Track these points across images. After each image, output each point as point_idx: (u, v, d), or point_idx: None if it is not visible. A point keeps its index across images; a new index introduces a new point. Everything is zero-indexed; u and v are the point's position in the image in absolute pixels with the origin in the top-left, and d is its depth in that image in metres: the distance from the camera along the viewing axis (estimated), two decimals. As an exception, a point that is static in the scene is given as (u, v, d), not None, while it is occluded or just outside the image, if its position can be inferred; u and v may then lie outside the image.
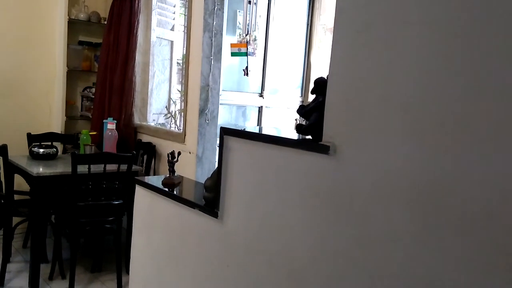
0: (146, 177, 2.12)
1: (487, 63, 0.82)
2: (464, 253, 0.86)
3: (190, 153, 3.12)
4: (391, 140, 0.96)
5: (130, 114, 3.68)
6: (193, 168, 3.07)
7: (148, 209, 1.80)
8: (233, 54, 3.39)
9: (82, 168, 2.75)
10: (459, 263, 0.86)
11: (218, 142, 2.99)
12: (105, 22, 3.83)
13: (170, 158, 1.86)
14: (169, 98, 4.07)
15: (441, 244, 0.88)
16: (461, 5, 0.85)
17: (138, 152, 3.47)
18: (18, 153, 3.24)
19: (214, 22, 3.09)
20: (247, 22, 3.45)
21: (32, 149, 3.16)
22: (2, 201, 3.01)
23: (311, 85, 1.24)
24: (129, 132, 3.68)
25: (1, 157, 2.95)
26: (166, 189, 1.72)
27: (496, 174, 0.81)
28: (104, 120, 3.46)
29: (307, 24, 4.13)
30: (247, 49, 3.35)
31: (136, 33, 3.61)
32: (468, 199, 0.84)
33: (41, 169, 2.85)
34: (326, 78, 1.12)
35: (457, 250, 0.87)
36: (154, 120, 3.93)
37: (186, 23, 3.39)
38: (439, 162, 0.88)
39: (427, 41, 0.90)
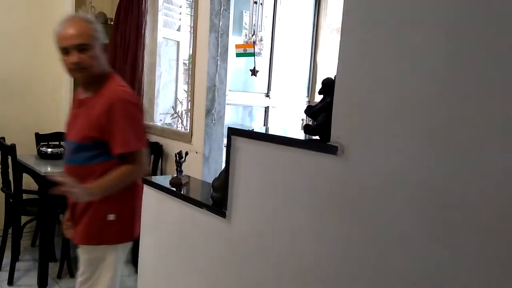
0: (153, 176, 2.13)
1: (496, 62, 0.82)
2: (474, 253, 0.86)
3: (196, 153, 3.13)
4: (399, 141, 0.96)
5: (140, 114, 3.70)
6: (200, 168, 3.08)
7: (156, 208, 1.81)
8: (238, 55, 3.39)
9: (89, 168, 2.76)
10: (469, 264, 0.87)
11: (225, 142, 3.01)
12: (112, 23, 3.85)
13: (177, 158, 1.87)
14: (176, 98, 4.09)
15: (450, 245, 0.89)
16: (470, 5, 0.85)
17: (145, 152, 3.48)
18: (27, 152, 3.27)
19: (220, 23, 3.10)
20: (253, 22, 3.46)
21: (40, 148, 3.19)
22: (11, 200, 3.04)
23: (318, 85, 1.25)
24: None
25: (9, 157, 2.98)
26: (174, 189, 1.73)
27: (508, 174, 0.81)
28: (111, 120, 3.48)
29: (313, 24, 4.13)
30: (254, 49, 3.35)
31: (144, 33, 3.63)
32: (477, 199, 0.85)
33: (49, 168, 2.88)
34: (333, 78, 1.13)
35: (466, 251, 0.87)
36: (161, 120, 3.95)
37: (192, 23, 3.40)
38: (448, 162, 0.88)
39: (434, 41, 0.90)
